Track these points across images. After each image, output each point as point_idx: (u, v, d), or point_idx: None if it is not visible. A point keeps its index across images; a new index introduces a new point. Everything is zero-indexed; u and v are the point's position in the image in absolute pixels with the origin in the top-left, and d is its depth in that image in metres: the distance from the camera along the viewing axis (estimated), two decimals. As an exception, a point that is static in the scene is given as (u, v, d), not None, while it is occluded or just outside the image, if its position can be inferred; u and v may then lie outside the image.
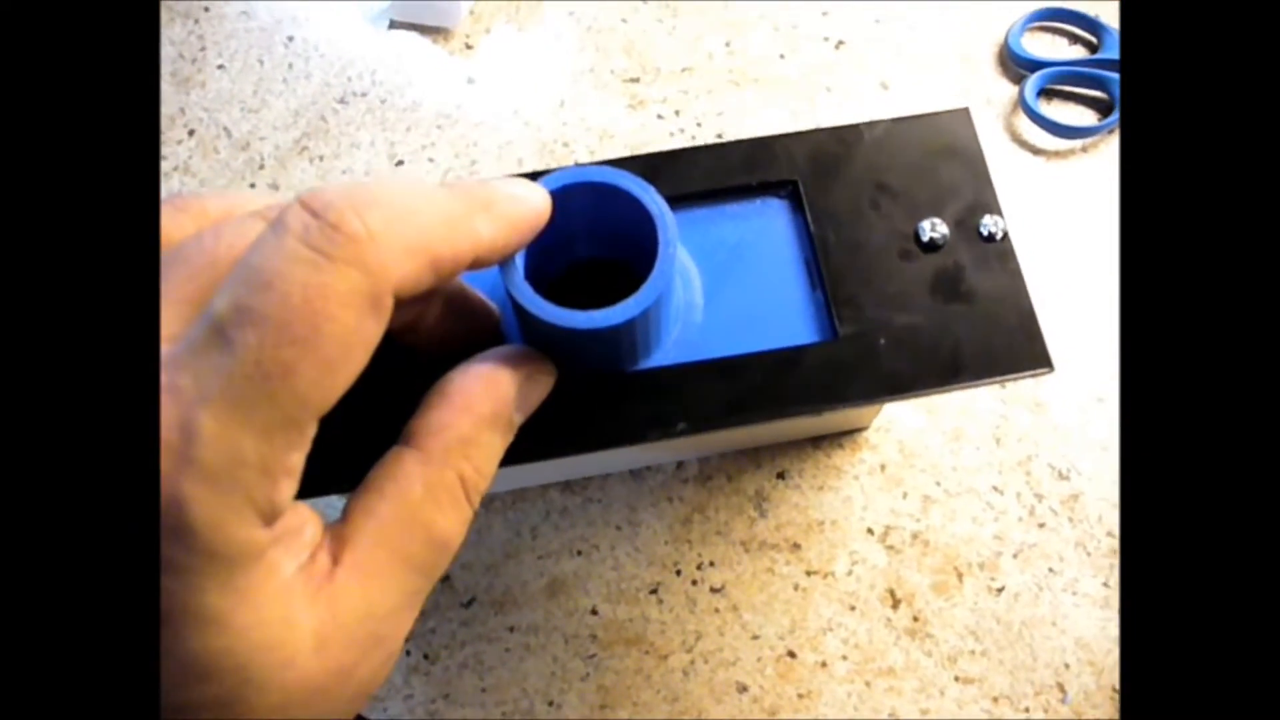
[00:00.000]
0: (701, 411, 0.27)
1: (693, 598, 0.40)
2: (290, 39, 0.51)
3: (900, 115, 0.31)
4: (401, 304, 0.20)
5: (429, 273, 0.20)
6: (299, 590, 0.20)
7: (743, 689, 0.39)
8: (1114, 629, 0.40)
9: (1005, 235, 0.29)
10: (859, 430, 0.43)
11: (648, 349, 0.28)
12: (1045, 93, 0.49)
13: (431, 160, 0.48)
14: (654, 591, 0.41)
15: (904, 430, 0.43)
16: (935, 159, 0.30)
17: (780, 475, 0.42)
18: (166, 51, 0.50)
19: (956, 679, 0.39)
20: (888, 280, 0.29)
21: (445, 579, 0.41)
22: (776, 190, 0.31)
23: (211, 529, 0.18)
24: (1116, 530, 0.41)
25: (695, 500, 0.42)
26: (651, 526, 0.42)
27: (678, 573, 0.41)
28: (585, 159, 0.48)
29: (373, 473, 0.22)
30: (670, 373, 0.28)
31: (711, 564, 0.41)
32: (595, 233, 0.27)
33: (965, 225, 0.29)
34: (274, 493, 0.19)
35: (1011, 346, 0.28)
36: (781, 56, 0.50)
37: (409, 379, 0.24)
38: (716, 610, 0.40)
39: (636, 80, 0.50)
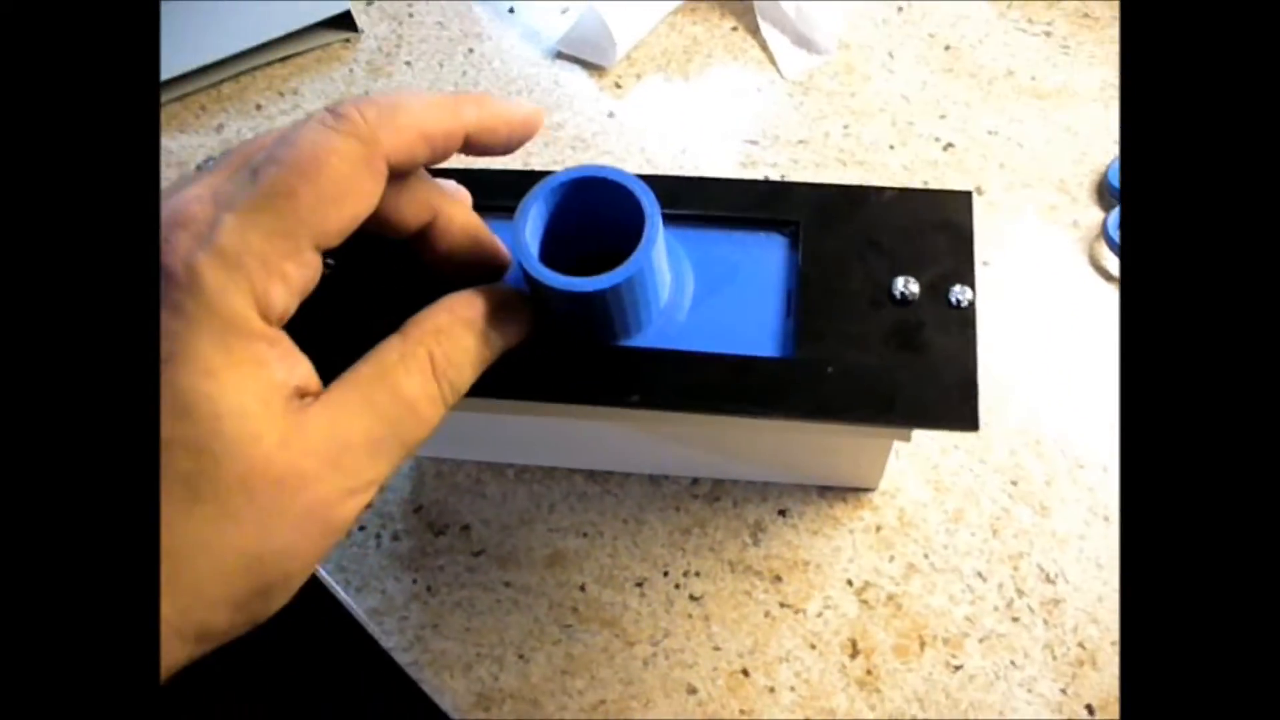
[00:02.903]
0: (657, 391, 0.32)
1: (671, 599, 0.44)
2: (470, 51, 0.59)
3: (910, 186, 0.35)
4: (398, 171, 0.26)
5: (422, 144, 0.26)
6: (279, 393, 0.24)
7: (692, 691, 0.42)
8: (1060, 734, 0.40)
9: (971, 305, 0.32)
10: (866, 490, 0.45)
11: (627, 329, 0.32)
12: (1137, 227, 0.51)
13: (558, 175, 0.55)
14: (639, 585, 0.44)
15: (908, 500, 0.45)
16: (929, 229, 0.34)
17: (781, 512, 0.45)
18: (368, 44, 0.59)
19: (894, 738, 0.41)
20: (853, 322, 0.32)
21: (465, 528, 0.46)
22: (781, 227, 0.35)
23: (216, 290, 0.23)
24: (1089, 643, 0.42)
25: (699, 515, 0.46)
26: (654, 528, 0.45)
27: (665, 574, 0.44)
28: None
29: None
30: (642, 354, 0.32)
31: (697, 574, 0.44)
32: (601, 226, 0.32)
33: (937, 289, 0.33)
34: (269, 286, 0.24)
35: (945, 402, 0.31)
36: (891, 147, 0.54)
37: (420, 307, 0.30)
38: (689, 615, 0.44)
39: (755, 143, 0.55)
